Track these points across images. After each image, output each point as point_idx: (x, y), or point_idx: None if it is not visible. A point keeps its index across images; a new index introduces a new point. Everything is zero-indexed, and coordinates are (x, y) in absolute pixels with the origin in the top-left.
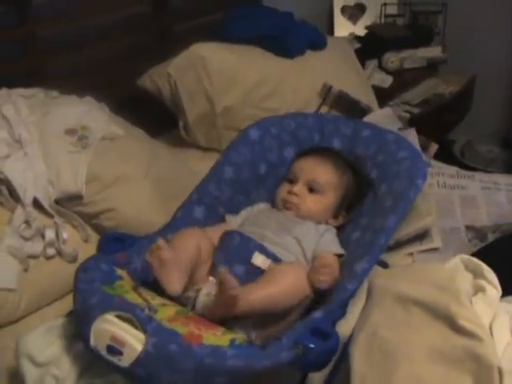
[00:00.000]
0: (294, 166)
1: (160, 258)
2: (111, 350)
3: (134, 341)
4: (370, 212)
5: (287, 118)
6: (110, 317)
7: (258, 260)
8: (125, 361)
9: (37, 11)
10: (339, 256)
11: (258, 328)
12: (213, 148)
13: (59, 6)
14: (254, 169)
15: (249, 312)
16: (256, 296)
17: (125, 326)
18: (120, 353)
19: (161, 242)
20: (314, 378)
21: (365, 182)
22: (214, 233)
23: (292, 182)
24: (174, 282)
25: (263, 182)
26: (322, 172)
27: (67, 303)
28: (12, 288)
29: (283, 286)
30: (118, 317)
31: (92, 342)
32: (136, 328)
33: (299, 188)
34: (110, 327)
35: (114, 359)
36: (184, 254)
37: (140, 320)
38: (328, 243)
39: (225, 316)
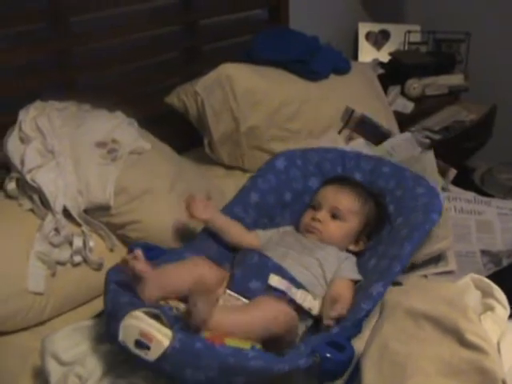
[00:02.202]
0: (317, 194)
1: (133, 269)
2: (139, 344)
3: (161, 336)
4: (386, 241)
5: (311, 151)
6: (139, 313)
7: (274, 281)
8: (151, 355)
9: (72, 28)
10: (356, 282)
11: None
12: (236, 166)
13: (93, 23)
14: (279, 196)
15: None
16: (224, 320)
17: (153, 322)
18: (147, 347)
19: (138, 253)
20: None
21: (384, 212)
22: (245, 236)
23: (316, 209)
24: (145, 295)
25: (288, 208)
26: (344, 200)
27: (91, 308)
28: (40, 292)
29: (254, 317)
30: (147, 313)
31: (121, 337)
32: (163, 324)
33: (322, 214)
34: (139, 323)
35: (141, 353)
36: (167, 278)
37: (167, 317)
38: (347, 270)
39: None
